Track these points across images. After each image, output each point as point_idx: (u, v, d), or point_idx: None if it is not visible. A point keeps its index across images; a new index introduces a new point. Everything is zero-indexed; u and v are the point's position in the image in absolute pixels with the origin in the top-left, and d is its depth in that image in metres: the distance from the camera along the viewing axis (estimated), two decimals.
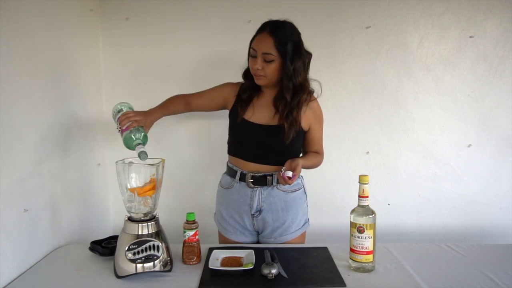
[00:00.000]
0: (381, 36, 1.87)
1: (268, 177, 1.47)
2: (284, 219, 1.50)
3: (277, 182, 1.48)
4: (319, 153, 1.57)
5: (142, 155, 1.25)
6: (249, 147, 1.49)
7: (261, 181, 1.48)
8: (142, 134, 1.33)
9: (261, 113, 1.48)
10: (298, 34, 1.43)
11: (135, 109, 1.44)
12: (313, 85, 1.52)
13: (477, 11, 1.84)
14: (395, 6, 1.85)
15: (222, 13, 1.86)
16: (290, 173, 1.32)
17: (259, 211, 1.50)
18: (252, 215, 1.51)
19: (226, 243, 1.55)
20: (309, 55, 1.46)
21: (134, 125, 1.33)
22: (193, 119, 1.93)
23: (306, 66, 1.45)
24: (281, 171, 1.35)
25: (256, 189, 1.49)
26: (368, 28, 1.86)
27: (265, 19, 1.48)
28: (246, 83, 1.52)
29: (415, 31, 1.86)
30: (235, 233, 1.55)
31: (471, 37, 1.86)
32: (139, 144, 1.29)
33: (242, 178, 1.50)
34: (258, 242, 1.58)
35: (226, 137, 1.60)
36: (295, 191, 1.52)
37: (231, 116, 1.53)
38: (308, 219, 1.59)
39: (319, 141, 1.56)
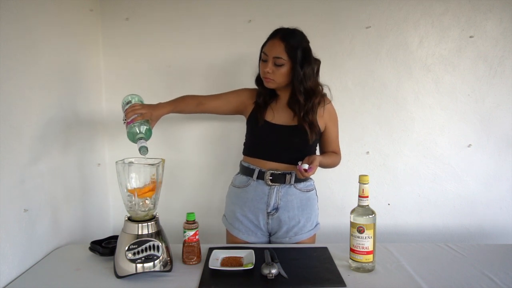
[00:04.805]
0: (381, 36, 1.87)
1: (287, 175, 1.51)
2: (299, 218, 1.53)
3: (295, 181, 1.51)
4: (337, 153, 1.62)
5: (143, 150, 1.25)
6: (271, 147, 1.53)
7: (279, 178, 1.51)
8: (146, 128, 1.33)
9: (280, 115, 1.53)
10: (307, 41, 1.49)
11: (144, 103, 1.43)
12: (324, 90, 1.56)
13: (477, 11, 1.84)
14: (395, 6, 1.85)
15: (222, 13, 1.86)
16: (306, 166, 1.39)
17: (276, 209, 1.52)
18: (268, 213, 1.52)
19: (235, 244, 1.54)
20: (318, 62, 1.52)
21: (139, 118, 1.32)
22: (198, 120, 1.93)
23: (316, 72, 1.51)
24: (299, 164, 1.40)
25: (274, 187, 1.51)
26: (368, 28, 1.86)
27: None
28: (259, 89, 1.57)
29: (415, 31, 1.86)
30: (247, 233, 1.55)
31: (471, 37, 1.86)
32: (141, 138, 1.29)
33: (261, 176, 1.52)
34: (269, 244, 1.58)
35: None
36: (309, 191, 1.57)
37: (252, 120, 1.56)
38: (319, 222, 1.62)
39: (335, 141, 1.62)
